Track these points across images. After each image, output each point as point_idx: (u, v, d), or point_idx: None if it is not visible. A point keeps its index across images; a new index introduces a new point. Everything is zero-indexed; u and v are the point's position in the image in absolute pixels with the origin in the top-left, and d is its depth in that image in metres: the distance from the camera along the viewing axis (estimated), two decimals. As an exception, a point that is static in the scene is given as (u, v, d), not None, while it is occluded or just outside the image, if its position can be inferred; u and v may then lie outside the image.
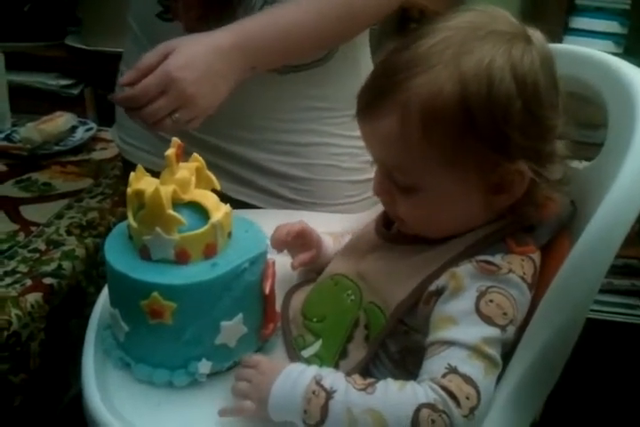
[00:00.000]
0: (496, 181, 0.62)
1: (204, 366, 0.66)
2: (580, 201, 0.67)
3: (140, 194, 0.64)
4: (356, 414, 0.58)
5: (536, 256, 0.65)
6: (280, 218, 0.84)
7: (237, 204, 0.95)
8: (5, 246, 1.05)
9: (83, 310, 1.01)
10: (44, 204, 1.20)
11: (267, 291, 0.69)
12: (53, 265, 1.01)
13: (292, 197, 1.00)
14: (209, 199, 0.67)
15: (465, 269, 0.62)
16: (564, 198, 0.67)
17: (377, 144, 0.65)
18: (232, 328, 0.67)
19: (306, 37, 0.87)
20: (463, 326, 0.60)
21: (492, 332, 0.60)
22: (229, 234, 0.68)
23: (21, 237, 1.09)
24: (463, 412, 0.57)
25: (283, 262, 0.77)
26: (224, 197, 0.69)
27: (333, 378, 0.60)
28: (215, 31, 0.83)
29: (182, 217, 0.64)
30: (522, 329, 0.63)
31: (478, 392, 0.58)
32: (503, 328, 0.61)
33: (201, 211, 0.66)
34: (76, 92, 1.90)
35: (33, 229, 1.11)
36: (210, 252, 0.66)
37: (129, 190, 0.65)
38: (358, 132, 0.67)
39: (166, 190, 0.63)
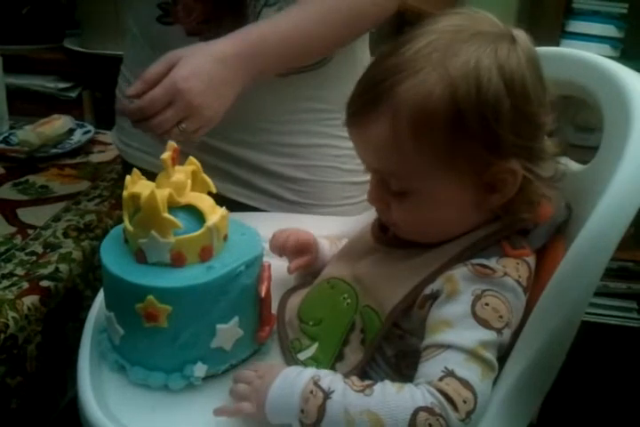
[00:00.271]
0: (489, 181, 0.62)
1: (200, 370, 0.66)
2: (575, 204, 0.67)
3: (135, 197, 0.64)
4: (354, 415, 0.58)
5: (531, 259, 0.65)
6: (278, 221, 0.83)
7: (238, 205, 0.95)
8: (2, 249, 1.05)
9: (79, 313, 1.01)
10: (41, 206, 1.19)
11: (262, 294, 0.69)
12: (50, 268, 1.01)
13: (292, 198, 1.00)
14: (205, 202, 0.67)
15: (460, 272, 0.62)
16: (559, 202, 0.68)
17: (368, 151, 0.65)
18: (228, 331, 0.67)
19: (308, 43, 0.88)
20: (459, 329, 0.60)
21: (489, 335, 0.60)
22: (225, 237, 0.68)
23: (18, 239, 1.09)
24: (460, 416, 0.57)
25: (279, 265, 0.78)
26: (224, 199, 0.69)
27: (331, 379, 0.61)
28: (219, 40, 0.83)
29: (178, 220, 0.64)
30: (517, 333, 0.63)
31: (475, 396, 0.58)
32: (499, 331, 0.61)
33: (197, 214, 0.66)
34: (73, 94, 1.90)
35: (30, 231, 1.11)
36: (206, 255, 0.66)
37: (125, 194, 0.65)
38: None
39: (162, 194, 0.63)
